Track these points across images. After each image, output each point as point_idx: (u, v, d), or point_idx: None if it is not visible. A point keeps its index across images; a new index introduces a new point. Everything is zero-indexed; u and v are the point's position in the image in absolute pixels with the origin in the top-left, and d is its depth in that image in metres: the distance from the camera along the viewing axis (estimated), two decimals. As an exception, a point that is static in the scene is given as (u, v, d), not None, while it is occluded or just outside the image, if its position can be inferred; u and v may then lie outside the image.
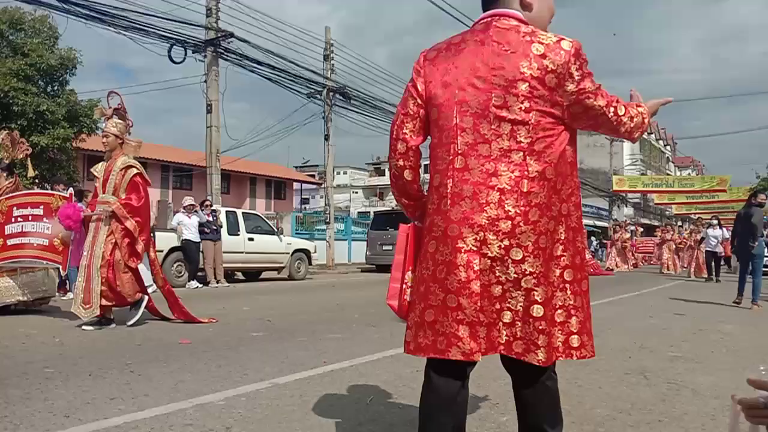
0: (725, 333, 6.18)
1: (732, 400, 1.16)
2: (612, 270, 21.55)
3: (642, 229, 40.49)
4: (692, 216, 37.31)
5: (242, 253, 13.33)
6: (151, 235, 7.54)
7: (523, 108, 1.69)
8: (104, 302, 5.75)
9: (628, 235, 25.07)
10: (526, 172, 1.70)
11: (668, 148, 64.28)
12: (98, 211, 5.90)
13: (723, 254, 16.70)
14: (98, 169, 6.13)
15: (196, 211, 11.89)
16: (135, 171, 6.02)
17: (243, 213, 14.29)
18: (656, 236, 25.92)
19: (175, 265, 11.60)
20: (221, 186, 17.03)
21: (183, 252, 11.61)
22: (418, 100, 1.87)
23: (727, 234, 14.99)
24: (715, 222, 16.82)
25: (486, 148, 1.72)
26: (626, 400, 3.38)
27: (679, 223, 43.40)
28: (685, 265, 20.40)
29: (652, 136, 57.63)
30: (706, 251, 16.93)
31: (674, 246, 21.61)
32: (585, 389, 3.62)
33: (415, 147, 1.92)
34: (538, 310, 1.70)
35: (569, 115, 1.75)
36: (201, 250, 11.84)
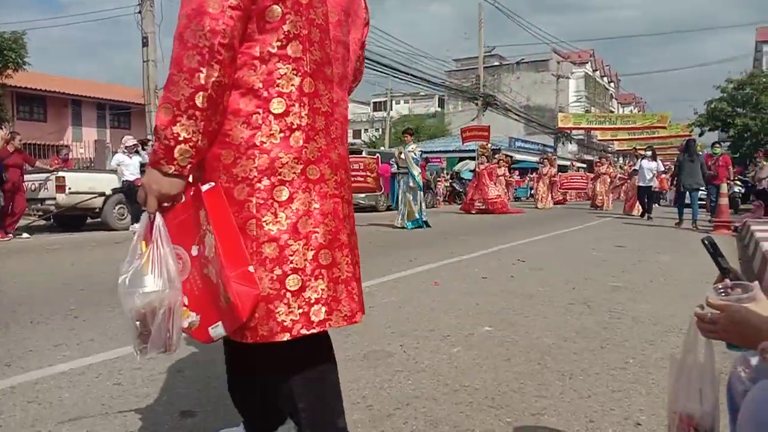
0: (663, 263, 6.47)
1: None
2: (523, 209, 19.55)
3: (585, 165, 41.50)
4: (632, 153, 38.41)
5: (187, 194, 12.97)
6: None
7: (348, 32, 1.55)
8: None
9: (555, 170, 23.70)
10: (344, 102, 1.55)
11: (612, 85, 65.38)
12: None
13: (657, 188, 15.26)
14: None
15: (137, 152, 11.43)
16: None
17: (187, 153, 13.79)
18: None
19: (117, 208, 11.21)
20: (162, 125, 16.35)
21: (124, 194, 11.21)
22: None
23: (662, 167, 14.93)
24: (649, 153, 15.07)
25: (330, 71, 1.46)
26: (571, 329, 3.50)
27: (620, 159, 44.74)
28: (620, 200, 19.68)
29: (597, 72, 58.38)
30: (639, 186, 14.98)
31: (609, 180, 20.33)
32: (531, 319, 3.74)
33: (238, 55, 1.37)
34: (356, 267, 1.52)
35: None
36: (144, 191, 11.44)
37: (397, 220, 11.51)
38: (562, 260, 6.64)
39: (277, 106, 1.38)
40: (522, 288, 4.84)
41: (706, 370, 1.23)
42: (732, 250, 7.84)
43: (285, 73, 1.38)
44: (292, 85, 1.39)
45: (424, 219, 11.37)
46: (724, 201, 11.43)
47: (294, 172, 1.39)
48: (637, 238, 9.54)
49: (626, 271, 5.84)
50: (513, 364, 2.83)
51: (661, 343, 3.21)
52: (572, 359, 2.92)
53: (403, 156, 11.58)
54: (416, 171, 11.38)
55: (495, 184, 17.75)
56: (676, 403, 1.27)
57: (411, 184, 11.39)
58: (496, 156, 20.97)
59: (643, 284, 5.12)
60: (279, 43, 1.37)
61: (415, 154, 11.50)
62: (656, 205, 21.57)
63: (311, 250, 1.40)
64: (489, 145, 20.19)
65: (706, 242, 1.31)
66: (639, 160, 15.46)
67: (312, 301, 1.38)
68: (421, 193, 11.65)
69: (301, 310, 1.37)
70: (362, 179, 12.66)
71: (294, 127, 1.39)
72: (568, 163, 39.90)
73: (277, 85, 1.38)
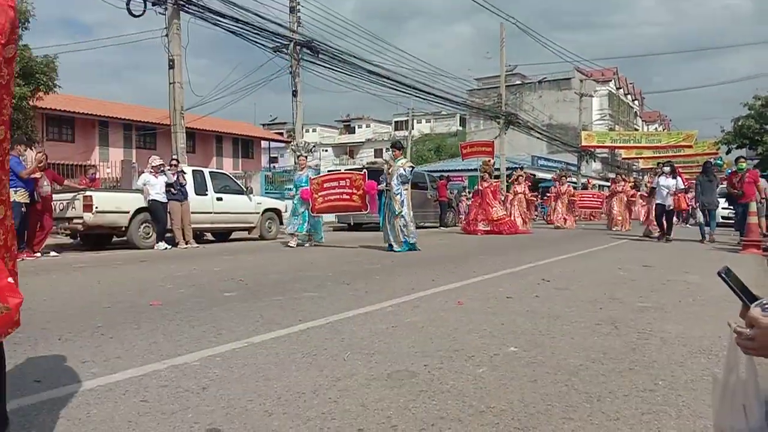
0: (691, 283, 6.35)
1: (729, 328, 1.22)
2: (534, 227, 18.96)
3: (608, 183, 41.04)
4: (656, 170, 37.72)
5: (211, 213, 13.13)
6: None
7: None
8: None
9: (566, 187, 22.19)
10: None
11: (636, 102, 64.89)
12: None
13: (671, 207, 13.47)
14: None
15: (162, 171, 11.63)
16: None
17: (210, 172, 14.00)
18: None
19: (142, 227, 11.40)
20: (186, 145, 16.64)
21: (150, 213, 11.40)
22: None
23: (681, 184, 13.71)
24: (667, 169, 13.73)
25: (7, 112, 1.77)
26: (598, 350, 3.44)
27: (645, 177, 44.10)
28: (641, 221, 18.55)
29: (621, 90, 58.01)
30: (656, 204, 13.94)
31: (626, 199, 19.27)
32: (557, 340, 3.68)
33: None
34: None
35: None
36: (168, 210, 11.63)
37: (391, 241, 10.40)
38: (587, 280, 6.55)
39: None
40: (547, 308, 4.79)
41: (749, 385, 1.20)
42: (763, 270, 7.66)
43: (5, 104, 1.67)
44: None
45: (411, 241, 10.34)
46: (754, 220, 11.16)
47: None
48: (664, 258, 9.39)
49: (654, 291, 5.73)
50: (539, 386, 2.78)
51: (690, 365, 3.14)
52: (600, 381, 2.86)
53: (391, 171, 10.49)
54: (401, 189, 10.37)
55: (500, 203, 16.96)
56: (722, 422, 1.25)
57: (395, 207, 10.31)
58: (516, 173, 20.34)
59: (671, 304, 5.02)
60: None
61: (404, 170, 10.43)
62: (687, 225, 20.79)
63: None
64: (492, 161, 19.21)
65: (722, 275, 1.24)
66: (656, 177, 14.44)
67: None
68: (404, 213, 10.35)
69: None
70: (348, 197, 11.14)
71: None
72: (585, 180, 39.43)
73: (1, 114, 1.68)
